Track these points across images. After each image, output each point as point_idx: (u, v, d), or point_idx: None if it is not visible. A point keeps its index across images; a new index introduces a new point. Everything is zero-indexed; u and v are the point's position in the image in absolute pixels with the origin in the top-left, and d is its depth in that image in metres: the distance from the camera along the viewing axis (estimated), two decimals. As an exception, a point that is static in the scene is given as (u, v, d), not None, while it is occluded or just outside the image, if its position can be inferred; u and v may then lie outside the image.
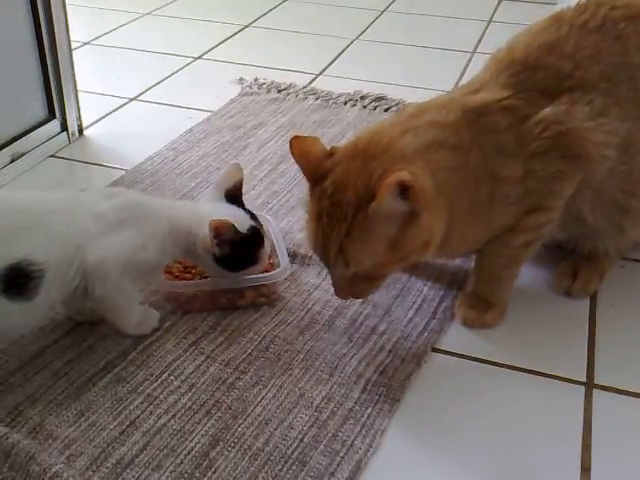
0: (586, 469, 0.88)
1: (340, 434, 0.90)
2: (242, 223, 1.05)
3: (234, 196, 1.11)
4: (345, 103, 1.79)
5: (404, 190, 0.85)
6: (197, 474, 0.85)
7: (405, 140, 0.93)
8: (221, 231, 1.02)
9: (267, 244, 1.10)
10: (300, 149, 0.94)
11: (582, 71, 1.01)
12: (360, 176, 0.89)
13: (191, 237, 1.04)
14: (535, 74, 1.02)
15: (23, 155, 1.49)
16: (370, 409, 0.94)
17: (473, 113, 0.98)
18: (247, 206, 1.12)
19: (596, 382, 1.00)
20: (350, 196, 0.89)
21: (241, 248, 1.05)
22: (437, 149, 0.94)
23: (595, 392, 0.98)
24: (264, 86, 1.87)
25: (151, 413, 0.92)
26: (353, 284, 0.95)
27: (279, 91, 1.85)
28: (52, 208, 0.96)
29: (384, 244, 0.90)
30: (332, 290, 1.13)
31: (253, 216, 1.10)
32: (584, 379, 1.00)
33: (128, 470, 0.85)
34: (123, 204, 1.00)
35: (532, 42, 1.04)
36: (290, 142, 0.94)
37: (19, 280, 0.89)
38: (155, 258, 1.02)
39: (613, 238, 1.12)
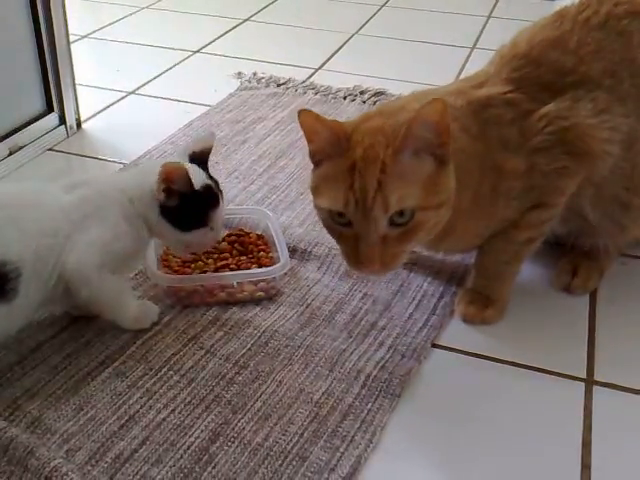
0: (586, 466, 0.88)
1: (340, 429, 0.90)
2: (197, 178, 1.00)
3: (200, 160, 1.05)
4: (344, 98, 1.78)
5: (435, 123, 0.85)
6: (197, 469, 0.84)
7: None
8: (172, 177, 0.96)
9: (222, 210, 1.04)
10: (315, 120, 0.90)
11: (585, 67, 1.01)
12: (387, 123, 0.89)
13: (145, 198, 0.99)
14: (538, 69, 1.01)
15: (21, 148, 1.49)
16: (370, 405, 0.94)
17: (478, 104, 0.98)
18: (245, 201, 1.11)
19: (596, 378, 1.00)
20: (381, 138, 0.88)
21: (192, 203, 0.99)
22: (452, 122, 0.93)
23: (595, 388, 0.98)
24: (263, 80, 1.87)
25: (150, 408, 0.92)
26: (384, 245, 0.89)
27: (278, 85, 1.84)
28: (21, 201, 0.94)
29: (419, 183, 0.88)
30: (332, 285, 1.14)
31: (214, 182, 1.04)
32: (584, 375, 1.00)
33: (127, 465, 0.84)
34: (83, 197, 0.98)
35: (535, 37, 1.04)
36: (301, 115, 0.90)
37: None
38: (130, 242, 0.99)
39: (613, 235, 1.12)
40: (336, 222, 0.92)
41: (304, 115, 0.90)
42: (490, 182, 0.98)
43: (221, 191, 1.05)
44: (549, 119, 0.98)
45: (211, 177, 1.05)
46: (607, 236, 1.12)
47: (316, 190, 0.94)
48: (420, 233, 0.91)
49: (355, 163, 0.88)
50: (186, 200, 0.99)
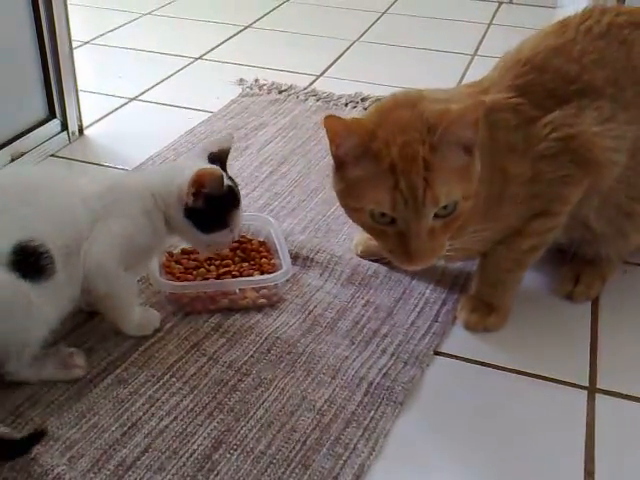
0: (589, 473, 0.87)
1: (343, 437, 0.90)
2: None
3: (219, 161, 1.07)
4: (346, 104, 1.78)
5: (474, 122, 0.89)
6: (199, 477, 0.84)
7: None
8: (204, 180, 0.98)
9: (241, 211, 1.06)
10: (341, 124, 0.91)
11: (588, 75, 1.01)
12: (413, 117, 0.91)
13: (169, 197, 1.01)
14: (542, 76, 1.02)
15: (23, 154, 1.49)
16: (373, 412, 0.94)
17: (485, 109, 0.98)
18: (248, 208, 1.11)
19: (598, 386, 1.00)
20: (415, 135, 0.89)
21: (216, 206, 1.01)
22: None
23: (598, 396, 0.98)
24: (265, 87, 1.87)
25: (153, 415, 0.92)
26: (432, 237, 0.91)
27: (280, 92, 1.85)
28: (39, 184, 0.95)
29: (458, 174, 0.90)
30: (334, 292, 1.14)
31: (234, 182, 1.06)
32: (586, 383, 1.00)
33: (130, 472, 0.84)
34: (105, 188, 0.99)
35: (539, 45, 1.05)
36: (327, 120, 0.90)
37: (30, 260, 0.87)
38: (147, 240, 1.00)
39: (616, 243, 1.12)
40: (378, 222, 0.93)
41: (330, 120, 0.90)
42: (498, 185, 0.99)
43: (239, 192, 1.07)
44: (554, 126, 0.99)
45: (231, 178, 1.07)
46: (610, 244, 1.13)
47: (348, 192, 0.95)
48: (459, 221, 0.94)
49: (394, 163, 0.89)
50: (211, 202, 1.00)
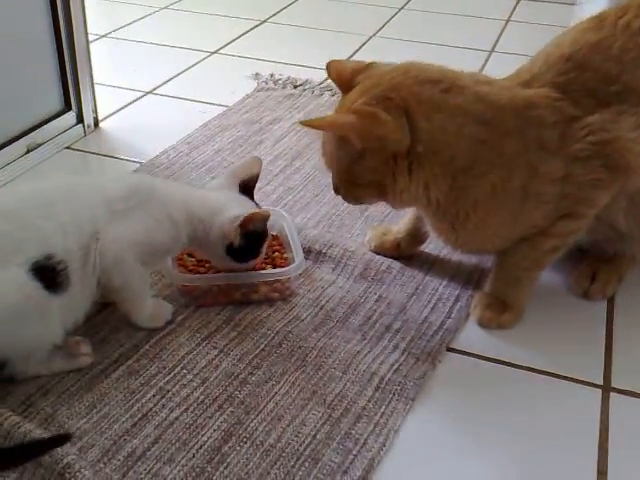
0: (602, 473, 0.86)
1: (353, 432, 0.90)
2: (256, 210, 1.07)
3: (248, 188, 1.12)
4: (361, 100, 1.77)
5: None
6: (209, 468, 0.84)
7: (423, 88, 0.96)
8: (251, 222, 1.03)
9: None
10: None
11: (629, 75, 0.99)
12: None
13: (205, 226, 1.04)
14: (583, 74, 1.00)
15: (39, 146, 1.49)
16: (384, 408, 0.93)
17: (523, 103, 0.98)
18: (261, 202, 1.12)
19: (613, 385, 0.99)
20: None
21: (253, 241, 1.06)
22: (459, 113, 0.95)
23: (612, 395, 0.97)
24: (280, 82, 1.86)
25: (163, 406, 0.92)
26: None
27: (295, 87, 1.84)
28: (56, 197, 0.95)
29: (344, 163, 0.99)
30: (347, 287, 1.14)
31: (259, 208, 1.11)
32: (601, 382, 0.99)
33: (140, 463, 0.84)
34: (132, 188, 1.00)
35: (579, 40, 1.03)
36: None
37: (49, 274, 0.89)
38: (166, 242, 1.02)
39: None
40: None
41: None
42: (521, 180, 0.98)
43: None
44: (591, 129, 0.97)
45: (257, 204, 1.11)
46: (635, 243, 1.11)
47: None
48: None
49: None
50: (251, 239, 1.05)
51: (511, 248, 1.06)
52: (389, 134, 0.93)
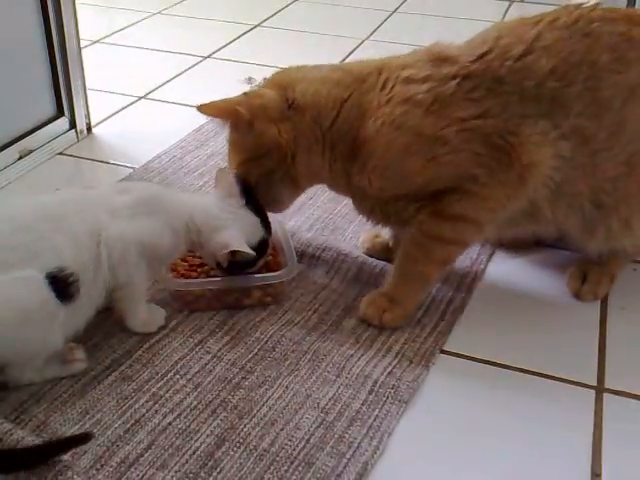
0: (597, 474, 0.86)
1: (347, 436, 0.89)
2: (255, 235, 1.06)
3: (250, 189, 1.10)
4: (354, 103, 1.77)
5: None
6: (202, 474, 0.84)
7: (298, 71, 1.13)
8: (237, 257, 1.03)
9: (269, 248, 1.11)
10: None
11: (532, 57, 0.98)
12: None
13: (203, 237, 1.05)
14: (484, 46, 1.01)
15: (31, 152, 1.49)
16: (377, 411, 0.93)
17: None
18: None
19: (606, 386, 0.99)
20: None
21: (243, 265, 1.07)
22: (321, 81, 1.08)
23: (605, 396, 0.97)
24: (273, 86, 1.86)
25: (156, 412, 0.92)
26: None
27: (288, 91, 1.84)
28: (68, 212, 0.97)
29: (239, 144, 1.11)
30: (340, 290, 1.14)
31: (265, 216, 1.10)
32: (594, 383, 0.99)
33: (132, 469, 0.84)
34: (138, 199, 1.02)
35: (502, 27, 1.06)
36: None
37: (61, 285, 0.91)
38: (169, 247, 1.03)
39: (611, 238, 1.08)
40: None
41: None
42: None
43: (270, 227, 1.11)
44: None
45: (261, 210, 1.10)
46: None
47: None
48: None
49: None
50: (240, 263, 1.06)
51: (404, 238, 1.07)
52: (270, 104, 1.06)
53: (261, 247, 1.07)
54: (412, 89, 1.00)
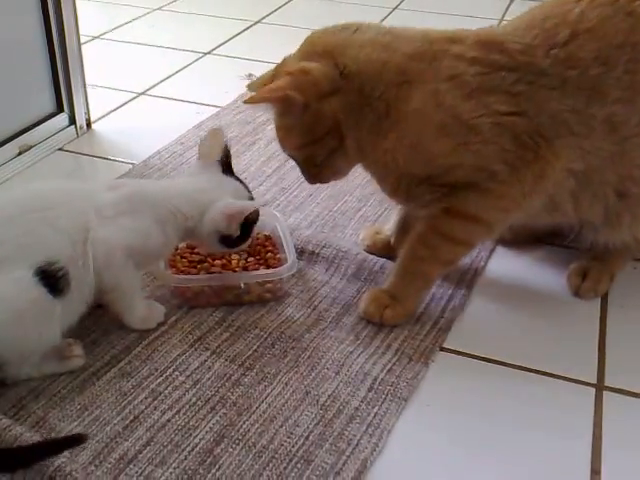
0: (596, 472, 0.86)
1: (346, 433, 0.89)
2: (244, 199, 1.07)
3: (227, 165, 1.10)
4: (355, 100, 1.77)
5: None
6: (201, 470, 0.84)
7: (337, 35, 1.06)
8: (246, 217, 1.02)
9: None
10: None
11: (575, 45, 0.96)
12: None
13: (192, 221, 1.03)
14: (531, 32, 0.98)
15: (31, 148, 1.49)
16: (377, 408, 0.93)
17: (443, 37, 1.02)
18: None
19: (606, 384, 0.99)
20: None
21: (246, 227, 1.05)
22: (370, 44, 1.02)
23: (605, 394, 0.97)
24: (273, 82, 1.86)
25: (155, 408, 0.92)
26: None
27: (288, 87, 1.83)
28: (53, 201, 0.95)
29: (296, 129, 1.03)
30: (340, 287, 1.14)
31: (243, 184, 1.10)
32: (594, 381, 0.99)
33: (131, 465, 0.84)
34: (121, 197, 1.00)
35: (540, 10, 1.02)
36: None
37: (51, 279, 0.90)
38: (158, 244, 1.01)
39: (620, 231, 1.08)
40: None
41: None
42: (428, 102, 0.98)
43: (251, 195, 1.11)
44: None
45: (238, 179, 1.10)
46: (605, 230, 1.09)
47: None
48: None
49: None
50: (244, 226, 1.04)
51: (410, 235, 1.06)
52: (320, 78, 0.98)
53: (256, 215, 1.06)
54: (460, 68, 0.97)
